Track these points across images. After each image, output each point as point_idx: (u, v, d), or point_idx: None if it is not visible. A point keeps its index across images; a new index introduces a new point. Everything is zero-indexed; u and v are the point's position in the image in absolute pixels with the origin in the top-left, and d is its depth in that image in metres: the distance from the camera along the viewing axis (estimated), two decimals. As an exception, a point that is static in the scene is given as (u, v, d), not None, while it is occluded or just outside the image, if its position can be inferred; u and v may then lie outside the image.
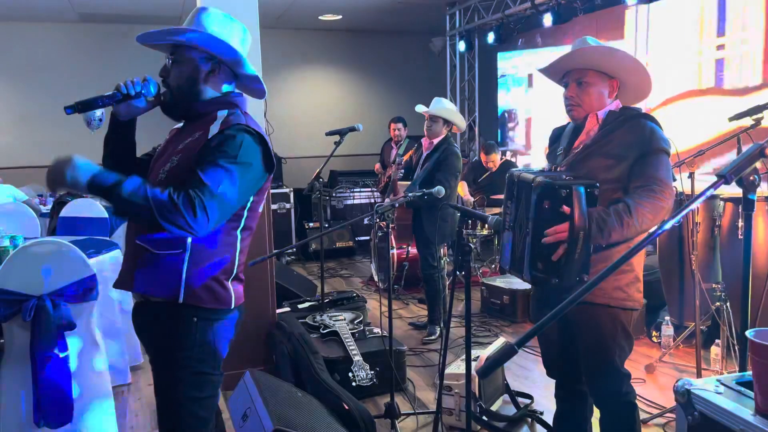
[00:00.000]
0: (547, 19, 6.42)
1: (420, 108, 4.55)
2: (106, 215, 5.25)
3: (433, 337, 4.42)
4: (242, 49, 1.85)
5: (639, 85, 2.19)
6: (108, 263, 3.53)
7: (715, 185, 1.33)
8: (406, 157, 5.04)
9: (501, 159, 6.39)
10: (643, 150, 2.03)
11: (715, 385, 1.36)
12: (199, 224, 1.61)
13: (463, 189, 6.18)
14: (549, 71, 2.25)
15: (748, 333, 1.26)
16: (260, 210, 1.90)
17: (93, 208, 5.23)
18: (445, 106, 4.46)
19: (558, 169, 2.15)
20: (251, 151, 1.73)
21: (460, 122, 4.55)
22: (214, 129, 1.74)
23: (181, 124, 1.93)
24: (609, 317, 2.09)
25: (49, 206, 6.11)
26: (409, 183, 4.57)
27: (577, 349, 2.19)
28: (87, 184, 1.62)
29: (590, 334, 2.12)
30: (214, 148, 1.70)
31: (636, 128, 2.08)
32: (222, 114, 1.80)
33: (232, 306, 1.84)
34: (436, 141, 4.44)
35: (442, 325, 4.42)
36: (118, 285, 1.88)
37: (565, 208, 1.87)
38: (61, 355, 2.63)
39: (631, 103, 2.25)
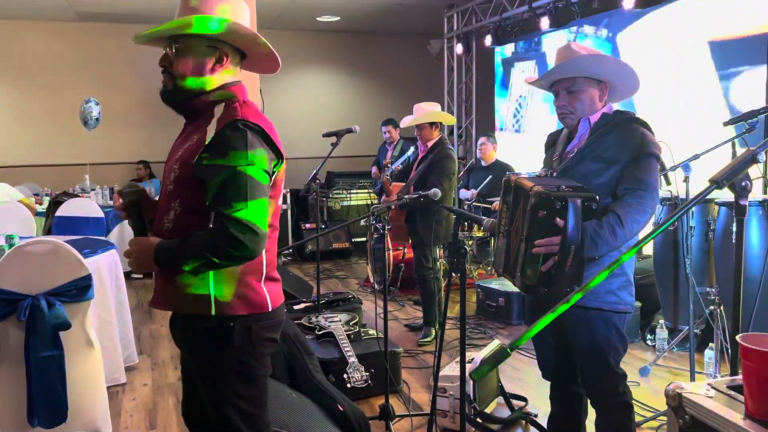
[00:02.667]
0: (544, 23, 6.44)
1: (403, 123, 4.58)
2: (103, 215, 5.25)
3: (428, 339, 4.43)
4: (248, 24, 1.76)
5: (628, 84, 2.22)
6: (104, 263, 3.53)
7: (707, 191, 1.35)
8: (397, 168, 5.04)
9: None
10: (634, 154, 2.05)
11: (706, 389, 1.37)
12: (253, 243, 1.59)
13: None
14: (539, 82, 2.26)
15: (739, 337, 1.27)
16: (279, 204, 1.83)
17: (89, 207, 5.23)
18: (423, 111, 4.46)
19: (552, 174, 2.16)
20: (258, 148, 1.66)
21: (445, 117, 4.53)
22: (212, 128, 1.67)
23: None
24: (602, 320, 2.11)
25: (45, 205, 6.11)
26: (403, 184, 4.58)
27: (571, 351, 2.21)
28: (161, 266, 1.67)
29: (584, 337, 2.14)
30: (217, 155, 1.62)
31: (627, 133, 2.09)
32: (219, 108, 1.72)
33: (270, 308, 1.77)
34: (430, 144, 4.45)
35: (437, 327, 4.43)
36: (152, 304, 1.83)
37: (559, 221, 1.87)
38: (56, 354, 2.63)
39: (620, 100, 2.28)
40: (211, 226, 1.66)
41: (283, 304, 1.86)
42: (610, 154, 2.07)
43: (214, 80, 1.74)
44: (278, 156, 1.74)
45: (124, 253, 1.74)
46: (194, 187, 1.65)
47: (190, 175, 1.66)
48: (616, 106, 2.27)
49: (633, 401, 2.21)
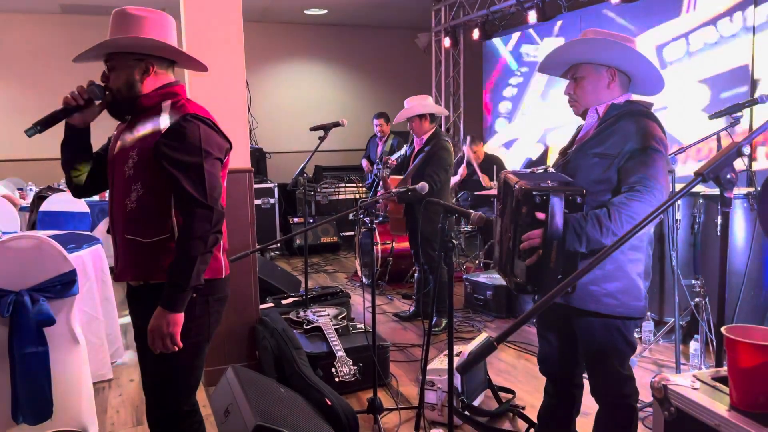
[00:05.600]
0: (532, 16, 6.44)
1: (396, 120, 4.58)
2: (88, 209, 5.20)
3: (438, 329, 4.44)
4: (168, 37, 1.95)
5: (646, 74, 2.06)
6: (89, 258, 3.50)
7: (692, 184, 1.35)
8: (393, 162, 5.03)
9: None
10: (635, 147, 1.92)
11: (691, 381, 1.38)
12: (215, 213, 1.84)
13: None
14: (549, 69, 2.17)
15: (724, 329, 1.28)
16: (224, 185, 2.01)
17: (74, 202, 5.18)
18: (410, 105, 4.46)
19: (550, 169, 2.08)
20: (211, 139, 1.89)
21: (435, 109, 4.50)
22: (165, 120, 1.87)
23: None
24: (603, 325, 2.02)
25: (30, 200, 6.04)
26: (401, 177, 4.58)
27: (575, 353, 2.17)
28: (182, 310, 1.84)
29: (587, 342, 2.07)
30: (178, 146, 1.83)
31: (631, 125, 1.96)
32: (166, 104, 1.91)
33: (223, 275, 1.99)
34: (425, 137, 4.45)
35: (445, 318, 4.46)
36: (118, 278, 2.00)
37: (540, 215, 1.82)
38: (40, 351, 2.60)
39: (645, 95, 2.13)
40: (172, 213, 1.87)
41: (229, 278, 2.05)
42: (611, 148, 1.96)
43: (144, 87, 1.93)
44: (228, 143, 1.97)
45: (151, 344, 1.85)
46: (153, 170, 1.84)
47: (149, 159, 1.84)
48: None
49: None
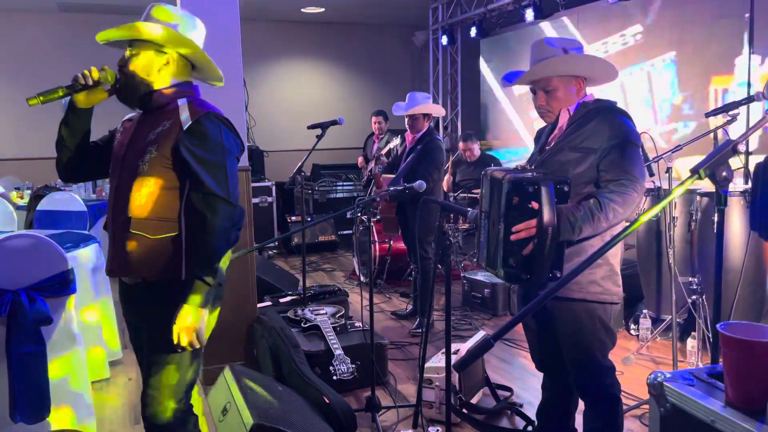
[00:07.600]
0: (529, 14, 6.45)
1: (397, 110, 4.57)
2: (85, 208, 5.19)
3: (422, 330, 4.44)
4: (197, 40, 1.97)
5: (605, 74, 2.22)
6: (86, 257, 3.50)
7: (688, 181, 1.35)
8: (384, 152, 5.03)
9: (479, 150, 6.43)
10: (612, 142, 2.02)
11: (688, 378, 1.39)
12: (237, 210, 1.86)
13: (447, 183, 6.21)
14: (514, 82, 2.28)
15: (719, 326, 1.29)
16: None
17: (71, 201, 5.16)
18: (419, 102, 4.48)
19: (531, 166, 2.16)
20: (231, 138, 1.91)
21: (438, 110, 4.57)
22: (185, 117, 1.87)
23: (134, 113, 2.03)
24: (586, 312, 2.10)
25: (27, 199, 6.03)
26: (393, 176, 4.58)
27: (555, 341, 2.21)
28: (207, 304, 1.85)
29: (569, 330, 2.14)
30: (201, 144, 1.84)
31: (606, 121, 2.07)
32: (183, 102, 1.91)
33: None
34: (418, 135, 4.47)
35: (431, 317, 4.45)
36: (113, 273, 1.97)
37: (534, 204, 1.87)
38: (38, 350, 2.60)
39: (598, 85, 2.28)
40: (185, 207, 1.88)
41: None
42: (588, 143, 2.06)
43: (160, 80, 1.93)
44: (243, 144, 2.01)
45: (177, 341, 1.83)
46: (171, 167, 1.85)
47: (168, 156, 1.85)
48: (597, 93, 2.26)
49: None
